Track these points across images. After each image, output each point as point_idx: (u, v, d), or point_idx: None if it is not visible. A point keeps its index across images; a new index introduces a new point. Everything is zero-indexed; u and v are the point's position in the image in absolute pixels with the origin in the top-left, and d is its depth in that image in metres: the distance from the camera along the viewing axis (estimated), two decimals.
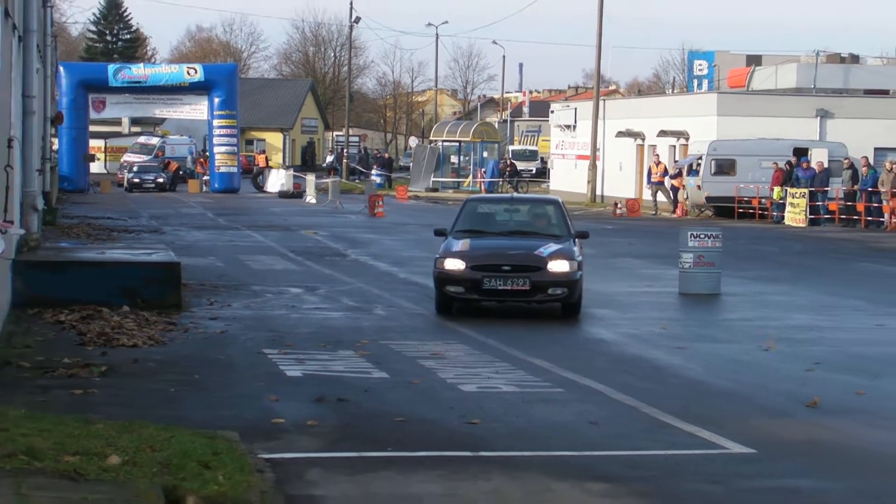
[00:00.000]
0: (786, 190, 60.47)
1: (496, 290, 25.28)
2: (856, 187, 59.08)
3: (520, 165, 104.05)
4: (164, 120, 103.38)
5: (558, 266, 25.36)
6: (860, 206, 58.25)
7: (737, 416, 16.59)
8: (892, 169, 56.66)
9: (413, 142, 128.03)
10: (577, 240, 26.67)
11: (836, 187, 60.12)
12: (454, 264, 25.40)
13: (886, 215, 56.33)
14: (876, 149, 65.58)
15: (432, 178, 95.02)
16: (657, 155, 73.87)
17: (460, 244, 26.04)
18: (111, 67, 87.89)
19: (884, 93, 77.36)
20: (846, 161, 61.25)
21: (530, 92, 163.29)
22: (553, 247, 26.01)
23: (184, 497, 11.01)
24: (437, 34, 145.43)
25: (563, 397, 17.77)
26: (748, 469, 13.94)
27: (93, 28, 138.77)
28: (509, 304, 26.16)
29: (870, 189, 57.97)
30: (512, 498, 12.49)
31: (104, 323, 22.75)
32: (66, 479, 11.05)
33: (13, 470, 11.15)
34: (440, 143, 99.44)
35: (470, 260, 25.35)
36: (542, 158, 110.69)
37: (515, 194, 38.10)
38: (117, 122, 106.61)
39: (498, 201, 32.57)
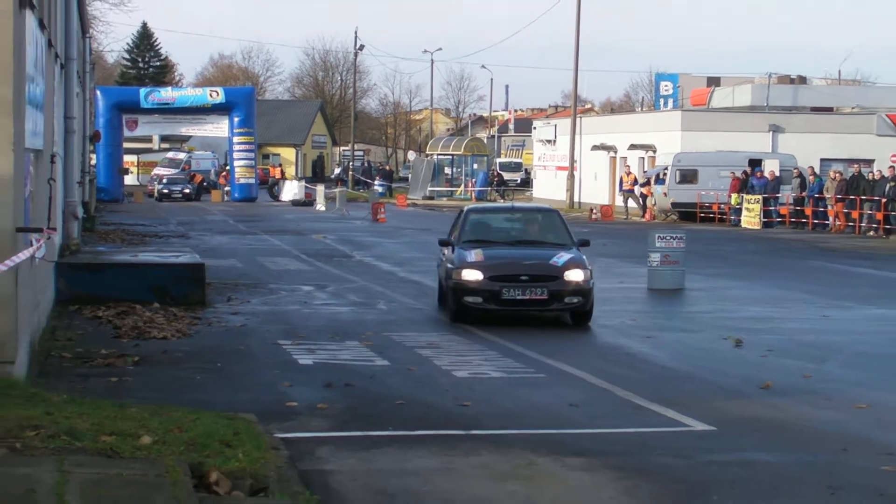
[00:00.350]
0: (742, 196, 60.55)
1: (515, 300, 23.29)
2: (804, 194, 59.16)
3: (506, 176, 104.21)
4: (189, 137, 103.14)
5: (574, 275, 23.41)
6: (808, 211, 58.31)
7: (699, 397, 16.59)
8: (835, 178, 56.82)
9: (411, 155, 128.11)
10: (579, 248, 24.73)
11: (787, 194, 60.19)
12: (472, 275, 23.33)
13: (831, 219, 56.44)
14: (822, 160, 65.66)
15: (428, 188, 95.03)
16: (628, 166, 73.99)
17: (473, 254, 23.90)
18: (142, 91, 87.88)
19: (828, 110, 77.28)
20: (795, 171, 61.32)
21: (515, 110, 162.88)
22: (565, 256, 24.03)
23: (208, 472, 11.00)
24: (432, 60, 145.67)
25: (545, 382, 17.77)
26: (709, 444, 13.95)
27: (127, 56, 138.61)
28: (523, 313, 24.06)
29: (816, 195, 58.09)
30: (499, 471, 12.47)
31: (137, 318, 22.75)
32: (103, 457, 11.05)
33: (56, 449, 11.15)
34: (435, 157, 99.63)
35: (488, 270, 23.36)
36: (526, 169, 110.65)
37: (515, 203, 33.67)
38: (148, 140, 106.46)
39: (498, 211, 30.00)
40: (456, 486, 11.92)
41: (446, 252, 25.04)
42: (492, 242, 24.92)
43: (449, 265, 24.14)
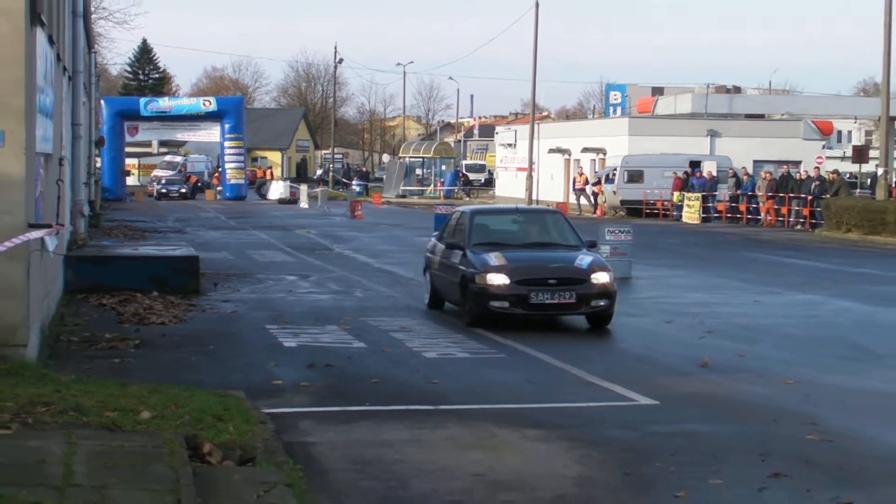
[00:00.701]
0: (683, 194, 60.67)
1: (543, 304, 20.68)
2: (738, 192, 59.32)
3: (471, 176, 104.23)
4: (185, 142, 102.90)
5: (601, 278, 20.96)
6: (742, 207, 58.43)
7: (644, 375, 16.61)
8: (766, 177, 57.03)
9: (385, 158, 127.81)
10: (589, 249, 22.33)
11: (723, 192, 60.33)
12: (498, 279, 20.71)
13: (762, 214, 56.56)
14: (754, 161, 65.93)
15: (401, 187, 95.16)
16: (580, 167, 74.23)
17: (494, 258, 21.19)
18: (142, 101, 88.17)
19: (760, 117, 77.59)
20: (731, 171, 61.57)
21: (479, 117, 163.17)
22: (587, 258, 21.51)
23: (201, 444, 10.98)
24: (404, 72, 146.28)
25: (506, 362, 17.78)
26: (653, 417, 13.98)
27: (128, 69, 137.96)
28: (549, 317, 21.55)
29: (749, 193, 58.27)
30: (464, 442, 12.48)
31: (138, 305, 22.69)
32: (106, 431, 11.03)
33: (64, 423, 11.13)
34: (407, 159, 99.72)
35: (514, 274, 20.75)
36: (489, 170, 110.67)
37: (520, 206, 30.24)
38: (148, 144, 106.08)
39: (503, 213, 26.54)
40: (425, 455, 11.92)
41: (453, 254, 22.30)
42: (504, 245, 22.14)
43: (465, 268, 21.38)
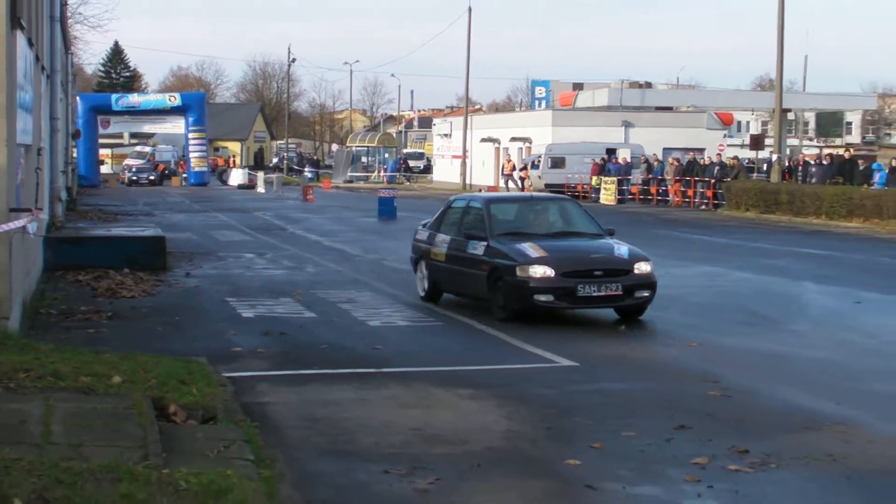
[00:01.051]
0: (601, 178, 60.91)
1: (590, 297, 17.92)
2: (650, 176, 59.58)
3: (412, 163, 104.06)
4: (153, 134, 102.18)
5: (643, 267, 18.39)
6: (653, 190, 58.68)
7: (566, 339, 16.62)
8: (674, 163, 57.37)
9: (335, 147, 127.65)
10: (610, 237, 19.74)
11: (636, 176, 60.59)
12: (543, 271, 17.83)
13: (671, 196, 56.80)
14: (664, 148, 66.28)
15: (348, 173, 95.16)
16: (509, 155, 74.33)
17: (529, 248, 18.36)
18: (113, 97, 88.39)
19: (669, 109, 77.85)
20: (642, 157, 61.88)
21: (418, 110, 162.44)
22: (622, 247, 18.85)
23: (167, 405, 10.93)
24: (351, 70, 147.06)
25: (443, 329, 17.79)
26: (573, 377, 14.02)
27: (102, 68, 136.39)
28: (592, 310, 18.91)
29: (659, 177, 58.58)
30: (404, 400, 12.49)
31: (110, 281, 22.52)
32: (81, 394, 10.96)
33: (43, 387, 11.06)
34: (354, 148, 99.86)
35: (559, 266, 17.91)
36: (427, 158, 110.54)
37: (535, 194, 26.24)
38: (119, 136, 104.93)
39: (518, 201, 22.49)
40: (369, 412, 11.91)
41: (470, 245, 19.33)
42: (529, 235, 19.17)
43: (497, 260, 18.45)
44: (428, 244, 20.82)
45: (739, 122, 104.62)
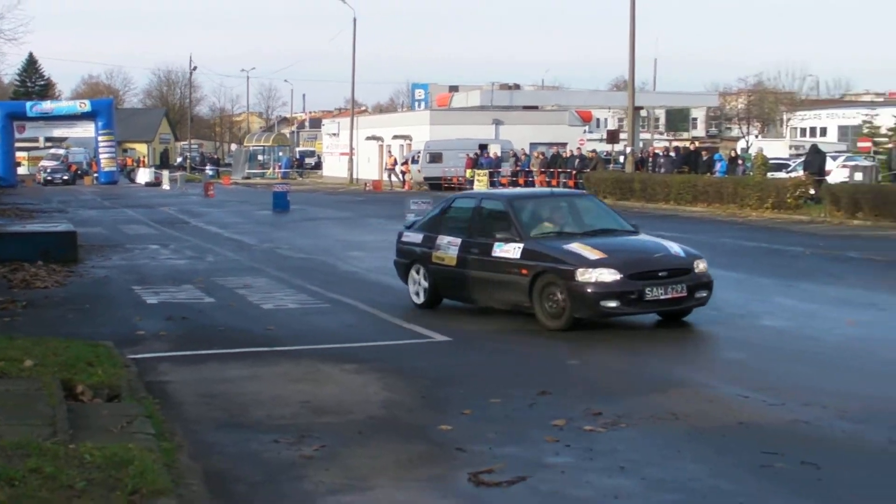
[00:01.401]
0: (474, 171, 61.06)
1: (658, 300, 15.12)
2: (518, 168, 59.85)
3: (307, 160, 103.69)
4: (66, 138, 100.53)
5: (701, 265, 15.75)
6: (521, 181, 58.72)
7: (441, 316, 16.68)
8: (539, 157, 57.66)
9: (234, 147, 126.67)
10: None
11: (506, 168, 60.82)
12: (608, 275, 14.96)
13: (537, 186, 57.03)
14: (530, 143, 66.38)
15: (246, 170, 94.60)
16: (391, 152, 74.30)
17: (578, 248, 15.48)
18: (28, 104, 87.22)
19: (535, 108, 78.23)
20: (511, 152, 62.25)
21: (310, 112, 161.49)
22: (673, 244, 16.21)
23: (75, 385, 10.79)
24: (248, 77, 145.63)
25: (330, 310, 17.68)
26: (448, 350, 14.09)
27: (18, 78, 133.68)
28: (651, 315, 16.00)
29: (526, 169, 58.80)
30: (294, 376, 12.44)
31: (25, 273, 22.11)
32: None
33: None
34: (251, 147, 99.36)
35: (624, 267, 15.09)
36: (318, 155, 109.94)
37: (554, 189, 21.70)
38: (35, 140, 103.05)
39: (539, 197, 18.59)
40: (261, 387, 11.85)
41: (497, 248, 16.26)
42: (567, 234, 16.34)
43: (543, 263, 15.50)
44: (425, 247, 17.74)
45: (598, 119, 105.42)
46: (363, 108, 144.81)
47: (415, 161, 67.25)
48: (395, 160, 71.65)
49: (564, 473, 8.74)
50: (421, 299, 17.77)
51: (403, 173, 69.35)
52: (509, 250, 16.06)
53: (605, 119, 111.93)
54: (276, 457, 9.24)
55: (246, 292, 19.72)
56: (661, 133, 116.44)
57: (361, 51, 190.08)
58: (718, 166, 48.49)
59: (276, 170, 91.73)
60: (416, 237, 18.20)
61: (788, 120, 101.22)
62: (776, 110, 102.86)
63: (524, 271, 15.74)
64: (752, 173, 46.17)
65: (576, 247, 15.55)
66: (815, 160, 40.61)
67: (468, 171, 61.78)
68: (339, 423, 10.30)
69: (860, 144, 64.86)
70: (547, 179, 56.00)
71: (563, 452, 9.29)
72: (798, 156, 57.75)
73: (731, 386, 11.75)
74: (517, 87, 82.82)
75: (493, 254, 16.30)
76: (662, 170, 50.53)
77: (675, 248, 16.05)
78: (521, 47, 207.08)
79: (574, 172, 53.64)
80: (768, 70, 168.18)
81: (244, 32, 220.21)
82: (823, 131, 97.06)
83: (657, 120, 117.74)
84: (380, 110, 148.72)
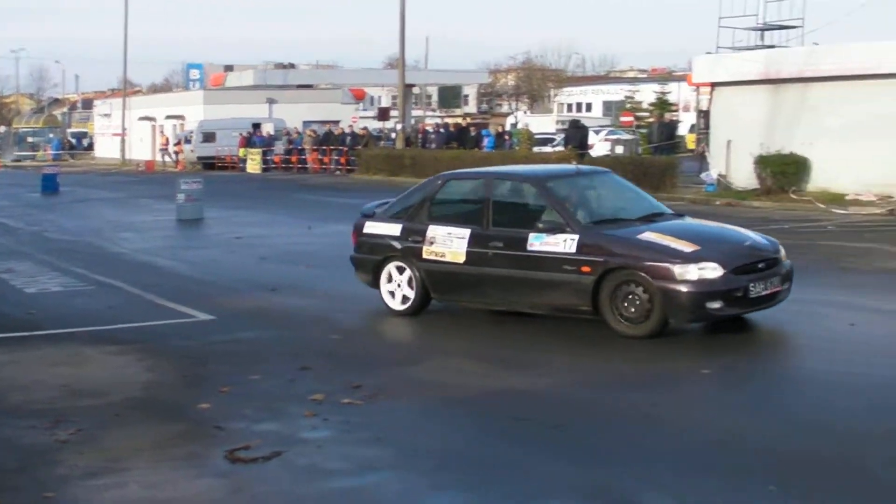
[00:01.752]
0: (248, 150, 60.60)
1: (760, 297, 12.45)
2: (291, 146, 59.56)
3: (76, 142, 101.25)
4: None
5: (783, 253, 13.30)
6: (293, 159, 58.64)
7: (205, 295, 16.42)
8: (311, 134, 57.55)
9: (2, 129, 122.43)
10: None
11: (279, 146, 60.49)
12: (712, 271, 12.13)
13: (310, 164, 56.91)
14: (304, 122, 66.32)
15: (15, 153, 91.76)
16: (164, 132, 73.22)
17: (659, 238, 12.53)
18: None
19: (309, 87, 77.94)
20: (284, 130, 62.01)
21: (82, 93, 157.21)
22: (751, 232, 13.67)
23: None
24: (16, 58, 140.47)
25: (94, 292, 17.26)
26: (209, 329, 13.89)
27: None
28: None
29: (299, 147, 58.64)
30: (54, 359, 12.12)
31: None
32: None
33: None
34: (20, 129, 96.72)
35: (726, 261, 12.26)
36: (90, 136, 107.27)
37: (580, 167, 15.37)
38: None
39: (568, 176, 14.20)
40: (20, 372, 11.52)
41: (535, 240, 13.00)
42: (623, 221, 13.32)
43: (638, 261, 12.30)
44: (409, 241, 14.47)
45: (372, 97, 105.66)
46: (138, 89, 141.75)
47: (188, 141, 66.44)
48: (168, 140, 70.66)
49: (321, 447, 8.75)
50: (404, 305, 14.52)
51: (177, 153, 68.39)
52: (557, 243, 12.89)
53: (380, 97, 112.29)
54: (31, 442, 9.00)
55: (9, 276, 19.08)
56: (434, 110, 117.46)
57: (135, 30, 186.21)
58: (486, 141, 49.28)
59: (47, 152, 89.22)
60: (389, 228, 14.79)
61: (556, 96, 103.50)
62: (544, 87, 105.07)
63: (585, 269, 12.67)
64: (517, 148, 47.03)
65: (655, 237, 12.64)
66: (575, 134, 41.53)
67: (241, 150, 61.32)
68: (97, 406, 10.08)
69: (622, 119, 66.97)
70: (319, 157, 55.97)
71: (320, 426, 9.31)
72: (564, 131, 59.14)
73: (487, 357, 11.99)
74: (292, 66, 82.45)
75: (531, 248, 13.10)
76: (433, 146, 51.01)
77: (755, 235, 13.57)
78: (297, 25, 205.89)
79: (346, 150, 53.73)
80: (537, 48, 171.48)
81: (13, 15, 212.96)
82: (589, 107, 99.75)
83: (430, 97, 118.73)
84: (154, 90, 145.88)
